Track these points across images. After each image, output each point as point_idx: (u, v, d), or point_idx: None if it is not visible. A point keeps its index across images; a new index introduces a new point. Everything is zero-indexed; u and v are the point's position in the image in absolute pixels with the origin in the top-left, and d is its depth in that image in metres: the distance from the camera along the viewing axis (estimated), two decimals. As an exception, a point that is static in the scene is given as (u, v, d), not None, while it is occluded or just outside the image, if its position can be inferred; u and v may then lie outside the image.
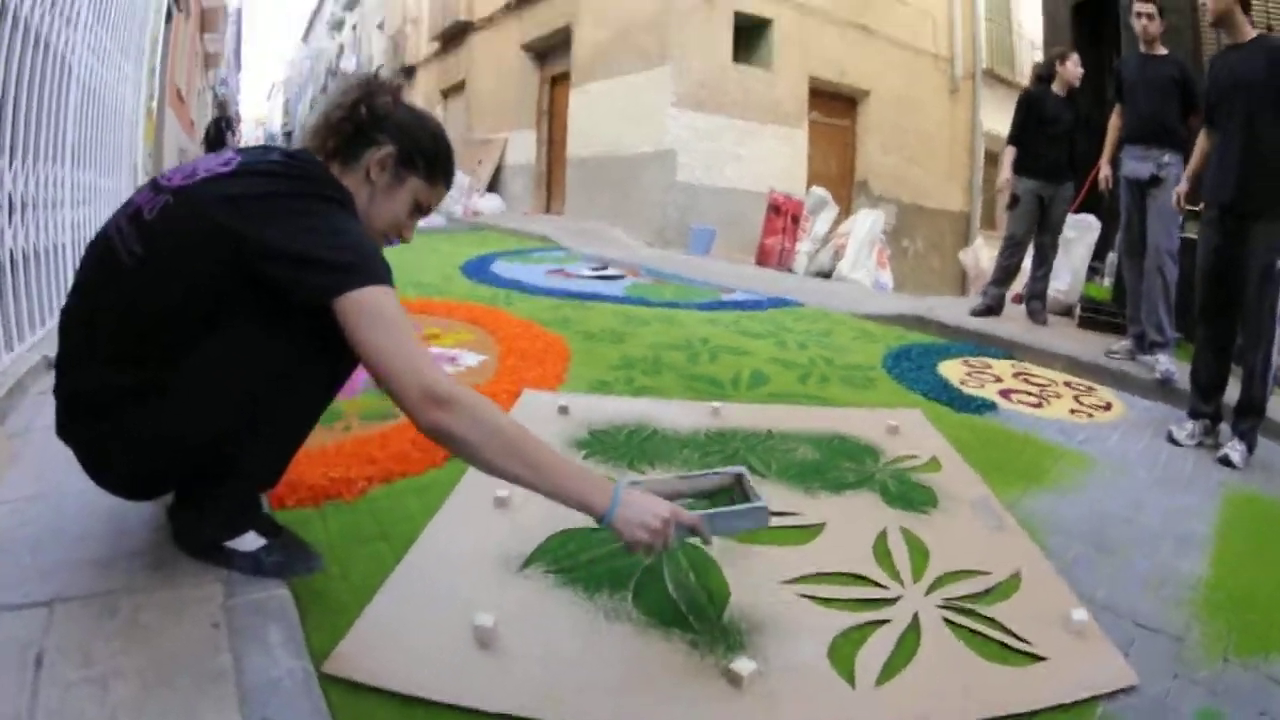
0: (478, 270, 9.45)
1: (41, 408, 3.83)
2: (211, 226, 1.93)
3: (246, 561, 2.25)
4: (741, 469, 2.46)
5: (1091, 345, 6.19)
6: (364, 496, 2.92)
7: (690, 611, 2.31)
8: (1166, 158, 5.67)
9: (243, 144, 29.41)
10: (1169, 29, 5.98)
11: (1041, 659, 2.21)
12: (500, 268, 9.81)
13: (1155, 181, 5.67)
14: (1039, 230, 7.16)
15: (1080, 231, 7.61)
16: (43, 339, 4.86)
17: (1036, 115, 7.04)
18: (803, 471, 3.34)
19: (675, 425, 3.83)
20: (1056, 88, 7.06)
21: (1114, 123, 6.13)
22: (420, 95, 29.79)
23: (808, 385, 4.82)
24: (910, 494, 3.21)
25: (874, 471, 3.40)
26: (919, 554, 2.73)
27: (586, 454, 3.44)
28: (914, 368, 5.35)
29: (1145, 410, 5.04)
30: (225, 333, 1.97)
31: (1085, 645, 2.29)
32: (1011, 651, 2.24)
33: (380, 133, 2.21)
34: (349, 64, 44.11)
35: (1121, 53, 7.09)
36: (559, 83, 18.57)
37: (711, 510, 2.23)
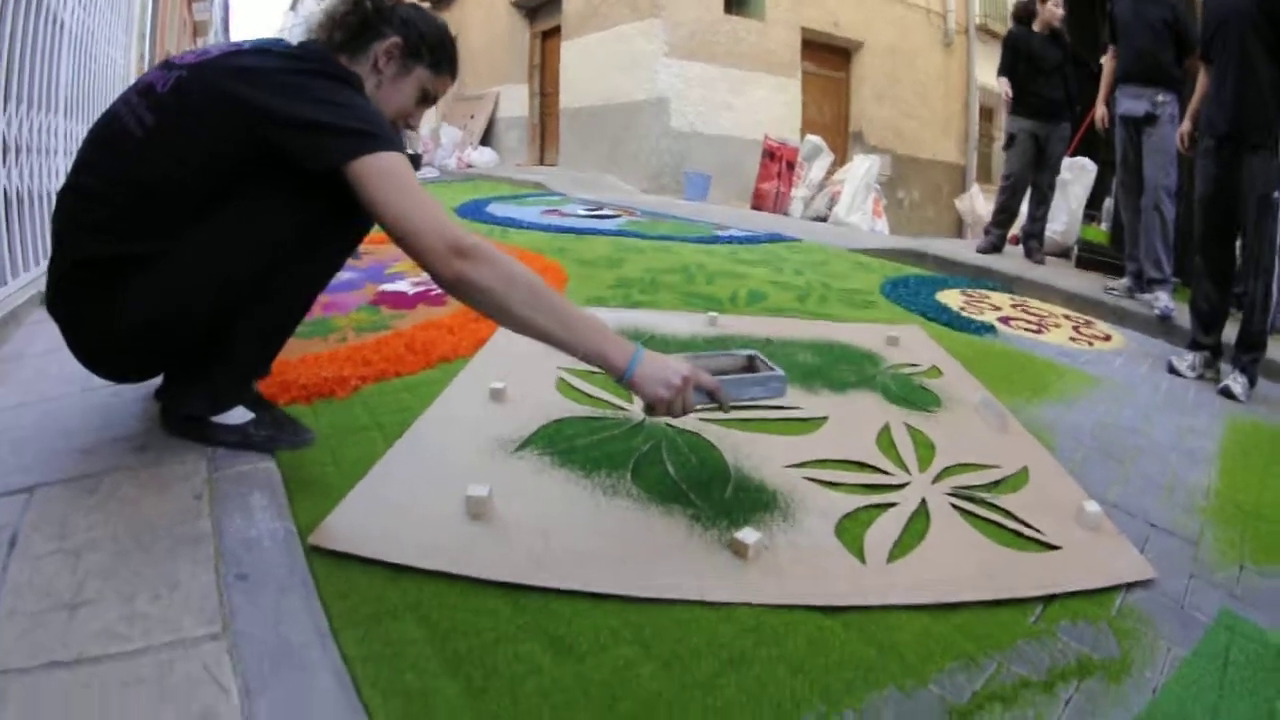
0: (473, 212, 9.37)
1: (34, 337, 3.80)
2: (224, 95, 1.92)
3: (233, 434, 2.23)
4: (754, 351, 2.45)
5: (1090, 283, 6.15)
6: (357, 393, 2.85)
7: (691, 489, 2.24)
8: (1161, 96, 5.64)
9: None
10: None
11: (1056, 548, 2.13)
12: (495, 209, 9.73)
13: (1150, 119, 5.64)
14: (1036, 170, 7.10)
15: (1076, 174, 7.56)
16: (37, 277, 4.84)
17: (1024, 55, 7.01)
18: (804, 373, 3.26)
19: (674, 331, 3.76)
20: (1037, 27, 6.99)
21: (1108, 64, 6.07)
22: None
23: (806, 304, 4.71)
24: (912, 395, 3.14)
25: (875, 374, 3.33)
26: (924, 447, 2.66)
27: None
28: (912, 294, 5.28)
29: (1145, 344, 4.97)
30: (228, 206, 1.96)
31: (1100, 538, 2.22)
32: (1025, 539, 2.16)
33: (386, 24, 2.22)
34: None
35: None
36: (550, 37, 18.46)
37: (731, 375, 2.24)
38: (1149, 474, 2.81)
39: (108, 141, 2.02)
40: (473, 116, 20.94)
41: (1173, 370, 4.39)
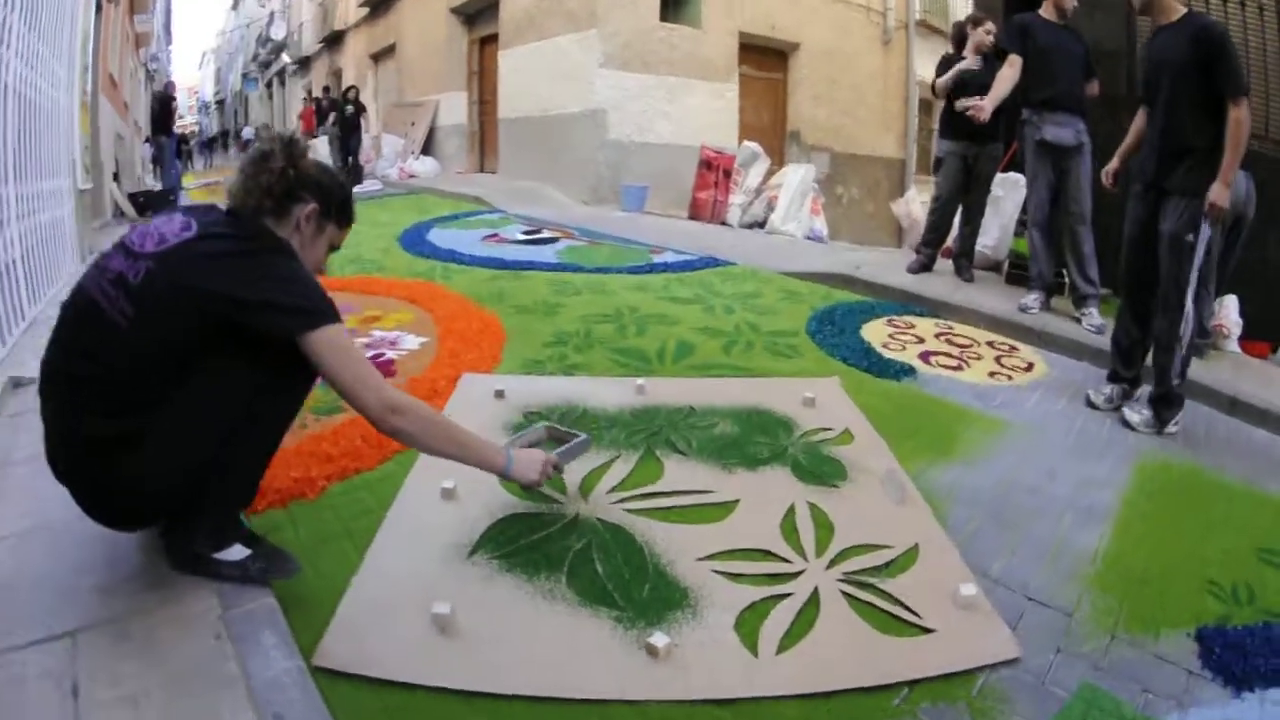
0: (415, 241, 9.66)
1: (16, 435, 4.17)
2: (194, 288, 2.35)
3: (234, 570, 2.64)
4: (548, 422, 3.64)
5: (1016, 300, 6.44)
6: (324, 494, 3.25)
7: (616, 590, 2.63)
8: (1081, 125, 6.07)
9: (184, 118, 29.06)
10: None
11: (930, 630, 2.46)
12: (436, 236, 10.03)
13: (1078, 148, 6.04)
14: (966, 190, 7.35)
15: (1008, 190, 7.83)
16: (4, 359, 5.22)
17: (961, 80, 7.18)
18: (721, 448, 3.61)
19: (603, 403, 4.13)
20: (968, 52, 7.26)
21: (1007, 74, 6.33)
22: (350, 60, 30.02)
23: (732, 355, 5.05)
24: (821, 467, 3.47)
25: (787, 445, 3.65)
26: (824, 529, 2.99)
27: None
28: (836, 331, 5.59)
29: (1066, 370, 5.31)
30: (201, 374, 2.39)
31: (973, 618, 2.55)
32: (903, 623, 2.50)
33: (304, 189, 2.65)
34: (278, 31, 43.60)
35: None
36: (488, 43, 18.68)
37: (559, 449, 3.17)
38: (1039, 540, 3.12)
39: (95, 330, 2.39)
40: (413, 124, 21.18)
41: (1090, 404, 4.72)
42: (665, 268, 7.82)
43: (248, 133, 48.22)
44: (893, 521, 3.09)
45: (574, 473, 3.36)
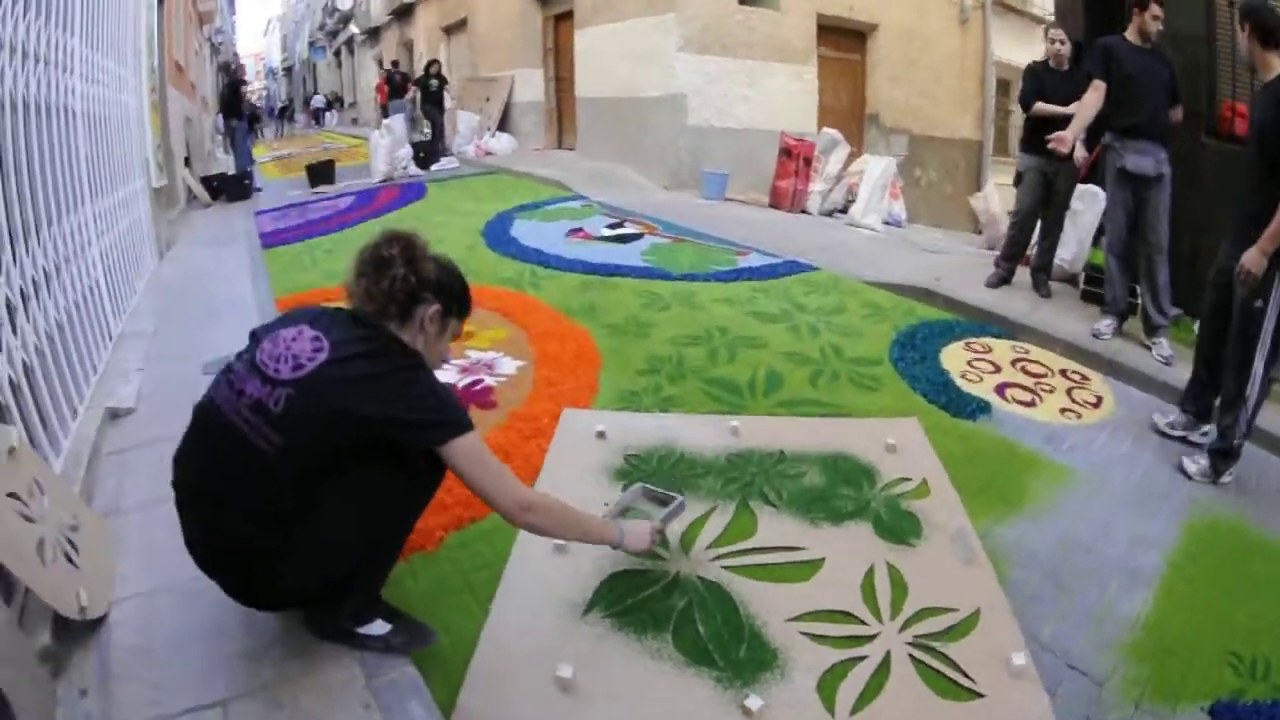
0: (499, 236, 10.05)
1: (123, 477, 4.45)
2: (335, 412, 2.59)
3: (378, 643, 2.97)
4: (643, 484, 4.00)
5: (1091, 322, 6.69)
6: (443, 545, 3.67)
7: (716, 650, 3.09)
8: (1163, 154, 6.20)
9: (250, 84, 29.55)
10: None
11: (981, 696, 2.91)
12: (521, 230, 10.40)
13: (1158, 179, 6.19)
14: (1045, 205, 7.61)
15: (1087, 203, 7.95)
16: (97, 388, 5.46)
17: (1039, 89, 7.48)
18: (809, 501, 4.04)
19: (698, 446, 4.55)
20: (1054, 64, 7.54)
21: (1091, 100, 6.42)
22: (421, 32, 30.19)
23: (818, 387, 5.43)
24: (899, 524, 3.88)
25: (870, 499, 4.06)
26: (899, 589, 3.43)
27: (626, 485, 4.15)
28: (918, 358, 5.93)
29: (1133, 406, 5.57)
30: (344, 485, 2.65)
31: (1021, 686, 2.96)
32: (960, 688, 2.94)
33: (426, 291, 2.87)
34: (345, 2, 43.92)
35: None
36: (563, 21, 18.90)
37: (661, 515, 3.61)
38: (1088, 605, 3.49)
39: (239, 456, 2.60)
40: (488, 99, 21.30)
41: (1155, 429, 5.06)
42: (750, 274, 8.18)
43: (318, 101, 48.69)
44: (960, 583, 3.50)
45: (675, 526, 3.74)
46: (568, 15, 18.11)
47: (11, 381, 3.99)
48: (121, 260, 7.56)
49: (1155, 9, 6.28)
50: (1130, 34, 6.39)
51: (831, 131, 12.82)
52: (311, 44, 59.13)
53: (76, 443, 4.64)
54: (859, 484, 4.22)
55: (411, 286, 2.83)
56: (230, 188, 15.97)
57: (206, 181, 15.99)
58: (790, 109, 14.84)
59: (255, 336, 2.89)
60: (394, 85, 25.09)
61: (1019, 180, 7.78)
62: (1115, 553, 3.88)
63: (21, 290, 4.39)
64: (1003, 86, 18.40)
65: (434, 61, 20.86)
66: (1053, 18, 17.34)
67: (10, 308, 4.17)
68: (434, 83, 20.01)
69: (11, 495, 3.11)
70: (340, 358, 2.67)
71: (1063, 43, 7.46)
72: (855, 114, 16.67)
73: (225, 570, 2.79)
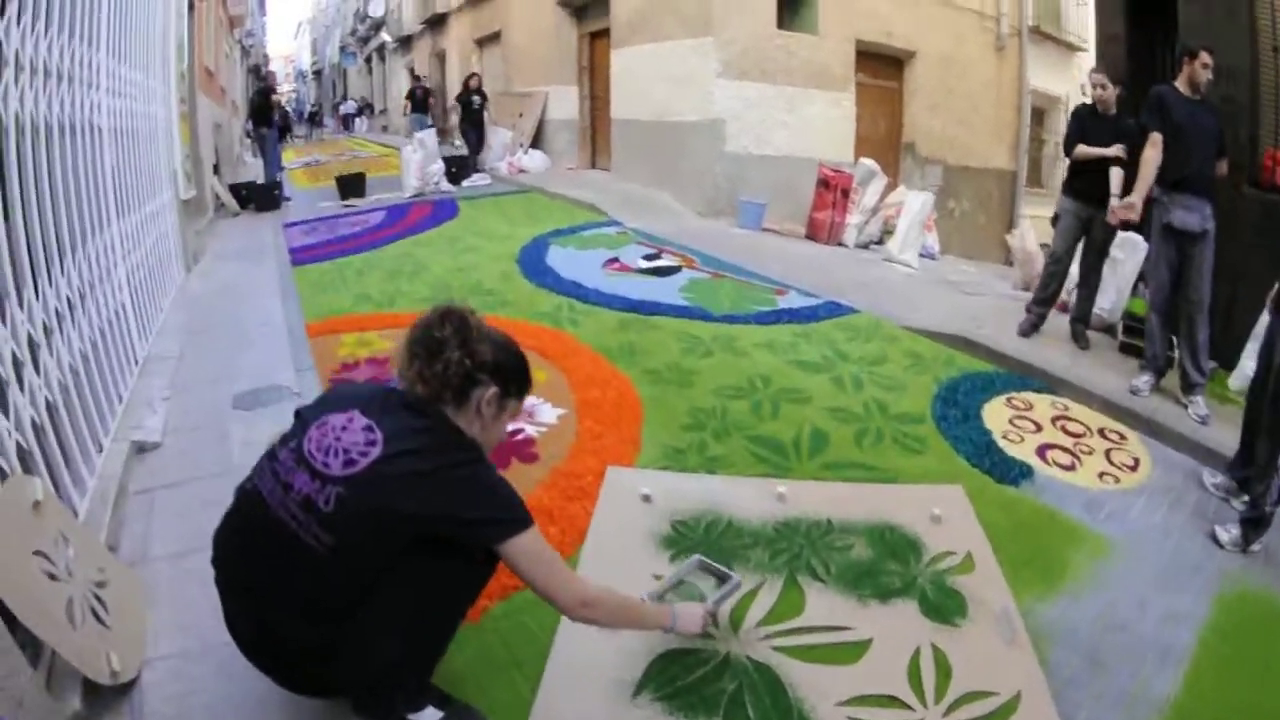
0: (535, 264, 10.24)
1: (150, 520, 4.51)
2: (390, 512, 2.56)
3: None
4: (698, 557, 4.15)
5: (1129, 378, 6.77)
6: (487, 615, 3.75)
7: None
8: (1209, 209, 6.28)
9: (283, 100, 30.00)
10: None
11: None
12: (556, 258, 10.59)
13: (1203, 235, 6.27)
14: (1083, 250, 7.68)
15: (1128, 252, 8.03)
16: (122, 419, 5.49)
17: (1081, 133, 7.51)
18: (857, 576, 4.16)
19: (746, 512, 4.67)
20: (1100, 109, 7.50)
21: (1150, 155, 6.43)
22: (454, 43, 30.50)
23: (863, 448, 5.56)
24: (945, 603, 4.00)
25: (916, 575, 4.19)
26: (943, 672, 3.56)
27: (674, 555, 4.28)
28: (960, 417, 6.05)
29: (1168, 468, 5.68)
30: (396, 578, 2.64)
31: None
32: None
33: (483, 374, 2.83)
34: (377, 9, 44.32)
35: (1177, 48, 7.15)
36: (598, 39, 19.09)
37: (714, 597, 3.76)
38: (1121, 686, 3.60)
39: (288, 552, 2.57)
40: (521, 115, 21.48)
41: (1201, 485, 5.25)
42: (790, 316, 8.31)
43: (348, 107, 49.28)
44: (1002, 665, 3.62)
45: (725, 602, 3.85)
46: (603, 33, 18.27)
47: (34, 423, 3.95)
48: (148, 279, 7.71)
49: (1205, 57, 6.37)
50: (1180, 83, 6.47)
51: (869, 162, 13.00)
52: (342, 49, 59.84)
53: (102, 481, 4.64)
54: (905, 558, 4.34)
55: (467, 370, 2.79)
56: (260, 197, 16.31)
57: (235, 190, 16.31)
58: (828, 137, 14.96)
59: (301, 419, 2.88)
60: (416, 100, 25.33)
61: (1056, 221, 7.85)
62: (1149, 630, 4.00)
63: (45, 325, 4.37)
64: (1037, 115, 18.54)
65: (474, 75, 20.89)
66: (1087, 45, 17.56)
67: (34, 344, 4.15)
68: (476, 99, 20.09)
69: (38, 553, 3.12)
70: (394, 453, 2.62)
71: (1103, 87, 7.44)
72: (891, 143, 16.74)
73: (271, 661, 2.79)
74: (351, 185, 17.47)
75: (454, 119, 22.55)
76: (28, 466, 3.72)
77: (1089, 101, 7.71)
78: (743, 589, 4.01)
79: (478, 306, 7.69)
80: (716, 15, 14.02)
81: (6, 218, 4.09)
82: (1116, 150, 7.14)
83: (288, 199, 17.35)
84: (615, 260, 10.60)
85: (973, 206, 17.63)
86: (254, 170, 20.35)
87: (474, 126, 20.34)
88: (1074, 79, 19.10)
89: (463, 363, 2.78)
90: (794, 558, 4.31)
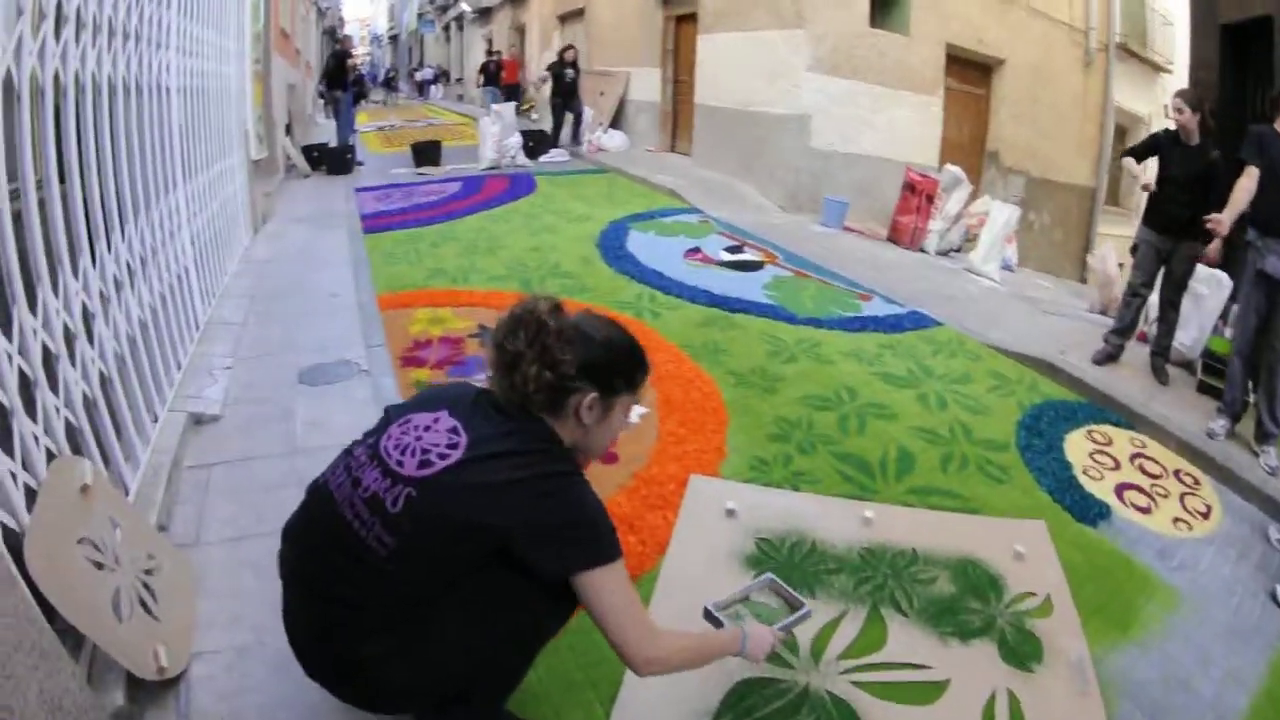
0: (615, 249, 10.30)
1: (204, 500, 4.42)
2: (462, 521, 2.35)
3: None
4: (771, 577, 4.13)
5: (1206, 419, 6.77)
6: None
7: None
8: None
9: (358, 65, 30.37)
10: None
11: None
12: (636, 244, 10.64)
13: None
14: (1162, 283, 7.64)
15: (1213, 289, 7.96)
16: (180, 386, 5.42)
17: (1156, 152, 7.41)
18: (939, 611, 4.24)
19: (831, 536, 4.72)
20: (1184, 136, 7.23)
21: (1245, 184, 6.28)
22: (535, 18, 30.56)
23: (949, 473, 5.59)
24: (1023, 647, 4.08)
25: (996, 615, 4.27)
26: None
27: (756, 574, 4.29)
28: (1044, 447, 6.10)
29: (1237, 518, 5.71)
30: (465, 592, 2.45)
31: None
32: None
33: (573, 381, 2.56)
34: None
35: (1276, 85, 7.20)
36: (684, 22, 19.06)
37: (783, 622, 3.60)
38: None
39: (349, 553, 2.41)
40: (602, 94, 21.65)
41: (1266, 539, 5.32)
42: (875, 324, 8.34)
43: (425, 73, 49.77)
44: (1072, 716, 3.70)
45: (806, 630, 3.90)
46: (690, 17, 18.29)
47: (86, 397, 3.83)
48: (214, 240, 7.68)
49: None
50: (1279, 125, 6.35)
51: (954, 169, 13.01)
52: (420, 16, 60.29)
53: (156, 454, 4.53)
54: (986, 596, 4.42)
55: (550, 383, 2.55)
56: (332, 160, 16.47)
57: (307, 151, 16.51)
58: (914, 140, 14.94)
59: (387, 416, 2.72)
60: (488, 75, 25.40)
61: (1135, 251, 7.80)
62: (1209, 690, 4.06)
63: (102, 293, 4.23)
64: (1119, 133, 18.39)
65: (569, 48, 20.65)
66: (1172, 67, 17.43)
67: (88, 315, 4.02)
68: (569, 72, 20.02)
69: (83, 541, 3.04)
70: (475, 457, 2.43)
71: (1180, 111, 7.17)
72: (975, 149, 16.69)
73: (324, 668, 2.61)
74: (427, 153, 17.60)
75: (545, 90, 22.50)
76: (76, 443, 3.65)
77: (1172, 127, 7.50)
78: (826, 617, 4.05)
79: (557, 289, 7.95)
80: (809, 8, 13.99)
81: (63, 180, 3.99)
82: (1147, 180, 7.15)
83: (360, 163, 17.56)
84: (697, 250, 10.65)
85: (1052, 221, 17.54)
86: (326, 132, 20.46)
87: (566, 100, 20.30)
88: (1157, 99, 18.96)
89: (542, 376, 2.53)
90: (878, 588, 4.35)
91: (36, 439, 3.24)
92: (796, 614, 3.77)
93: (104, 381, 4.08)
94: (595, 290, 8.65)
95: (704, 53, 17.36)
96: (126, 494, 4.06)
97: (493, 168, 17.03)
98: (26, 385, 3.30)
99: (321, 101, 23.35)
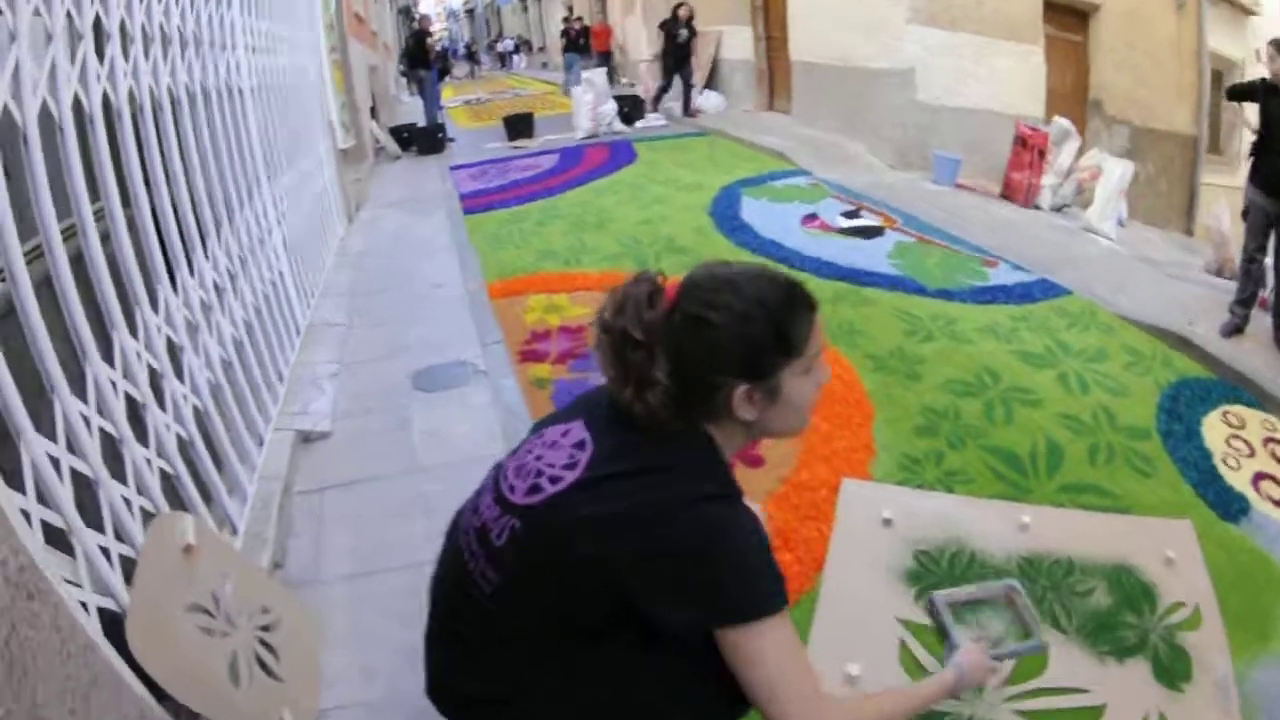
0: (729, 218, 10.28)
1: (318, 532, 4.12)
2: (572, 558, 1.94)
3: None
4: (1014, 585, 3.58)
5: None
6: None
7: None
8: None
9: (437, 42, 30.35)
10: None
11: None
12: (751, 212, 10.58)
13: None
14: (1275, 248, 7.49)
15: None
16: (284, 400, 5.12)
17: (1266, 114, 7.19)
18: (1096, 627, 4.18)
19: (988, 544, 4.54)
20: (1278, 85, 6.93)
21: None
22: (618, -23, 29.91)
23: (1097, 466, 5.40)
24: (1174, 664, 3.99)
25: (1149, 630, 4.19)
26: (1162, 744, 3.78)
27: (918, 592, 4.18)
28: (1184, 433, 5.92)
29: None
30: (594, 649, 2.02)
31: None
32: None
33: (719, 375, 2.02)
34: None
35: None
36: (776, -23, 18.72)
37: (1010, 650, 3.22)
38: None
39: (463, 593, 2.12)
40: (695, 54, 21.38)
41: None
42: (1005, 295, 8.18)
43: (506, 44, 50.49)
44: None
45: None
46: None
47: (181, 440, 3.49)
48: (308, 236, 7.42)
49: None
50: None
51: (1063, 121, 12.87)
52: (494, -3, 59.51)
53: (264, 483, 4.21)
54: (1140, 608, 4.27)
55: (675, 395, 1.99)
56: (422, 140, 16.58)
57: (396, 132, 16.68)
58: (1018, 90, 14.67)
59: (536, 426, 2.35)
60: (570, 39, 25.27)
61: (1246, 214, 7.68)
62: None
63: (188, 321, 3.87)
64: (1215, 78, 17.86)
65: (683, 4, 19.87)
66: (1260, 8, 17.04)
67: (176, 349, 3.70)
68: (684, 31, 19.53)
69: (192, 608, 2.73)
70: (591, 480, 1.99)
71: (1272, 59, 6.92)
72: (1077, 98, 16.29)
73: (440, 702, 2.27)
74: (519, 125, 17.65)
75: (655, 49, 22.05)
76: (172, 486, 3.35)
77: (1266, 75, 7.18)
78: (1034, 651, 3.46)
79: (670, 265, 7.48)
80: (903, -43, 13.79)
81: (127, 203, 3.64)
82: (1253, 121, 6.96)
83: (452, 140, 17.68)
84: (815, 217, 10.58)
85: (1156, 171, 17.07)
86: (411, 110, 20.63)
87: (680, 63, 19.83)
88: (1248, 43, 18.44)
89: (667, 392, 1.98)
90: (1038, 603, 4.16)
91: (129, 502, 2.93)
92: (1025, 644, 3.27)
93: (199, 416, 3.74)
94: (714, 264, 8.70)
95: (795, 7, 17.23)
96: (235, 532, 3.80)
97: (590, 137, 17.10)
98: (110, 442, 3.00)
99: (404, 80, 23.59)
